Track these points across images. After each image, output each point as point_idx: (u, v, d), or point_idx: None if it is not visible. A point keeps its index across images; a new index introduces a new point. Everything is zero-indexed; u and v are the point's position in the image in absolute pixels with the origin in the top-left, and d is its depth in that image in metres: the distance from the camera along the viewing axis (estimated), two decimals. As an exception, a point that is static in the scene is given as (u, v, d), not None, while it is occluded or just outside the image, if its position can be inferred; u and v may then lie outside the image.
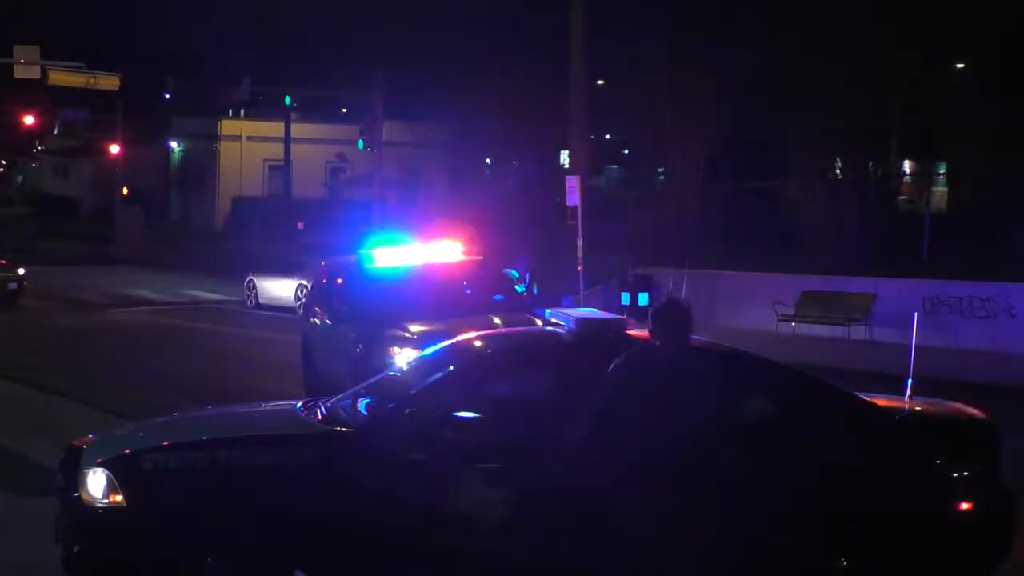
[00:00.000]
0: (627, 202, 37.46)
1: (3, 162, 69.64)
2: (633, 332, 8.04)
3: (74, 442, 8.29)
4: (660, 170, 37.98)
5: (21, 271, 31.53)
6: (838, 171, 31.79)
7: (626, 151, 50.13)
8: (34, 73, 34.58)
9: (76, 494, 7.70)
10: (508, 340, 9.32)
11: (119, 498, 7.49)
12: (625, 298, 25.89)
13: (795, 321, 24.88)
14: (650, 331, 7.30)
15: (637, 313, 21.94)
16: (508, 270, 18.80)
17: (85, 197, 68.04)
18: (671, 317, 7.19)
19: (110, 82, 38.84)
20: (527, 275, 20.56)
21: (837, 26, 28.93)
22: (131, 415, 12.87)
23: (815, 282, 25.56)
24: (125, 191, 54.61)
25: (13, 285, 31.07)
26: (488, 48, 40.07)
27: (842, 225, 29.77)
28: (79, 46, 42.19)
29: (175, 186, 62.85)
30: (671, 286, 25.57)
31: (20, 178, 79.87)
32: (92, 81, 38.34)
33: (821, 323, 24.58)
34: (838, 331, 24.23)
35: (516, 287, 16.86)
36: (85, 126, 73.61)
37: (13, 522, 10.23)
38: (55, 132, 77.80)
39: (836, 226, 29.79)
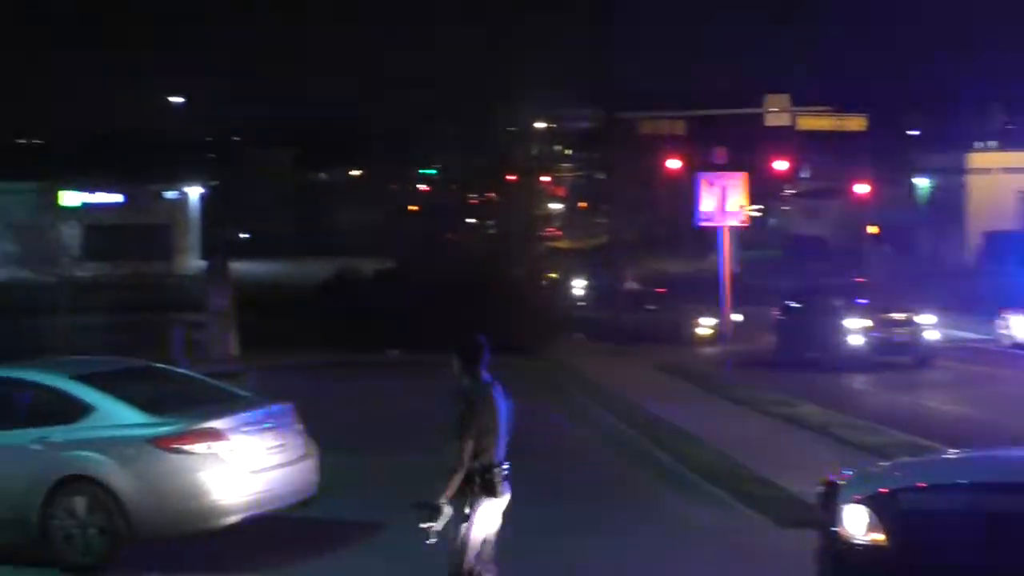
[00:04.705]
0: None
1: (759, 207, 73.18)
2: None
3: (832, 477, 8.48)
4: None
5: (925, 321, 26.69)
6: None
7: None
8: (785, 120, 36.05)
9: (835, 529, 7.86)
10: None
11: (879, 536, 7.52)
12: None
13: None
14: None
15: None
16: None
17: (832, 237, 69.41)
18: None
19: (856, 123, 39.51)
20: None
21: None
22: (884, 453, 12.90)
23: None
24: (874, 230, 54.93)
25: (902, 336, 26.32)
26: None
27: None
28: (826, 91, 43.32)
29: (921, 223, 62.21)
30: None
31: (772, 221, 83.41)
32: (839, 124, 39.17)
33: None
34: None
35: None
36: (831, 168, 75.13)
37: (772, 550, 10.71)
38: (803, 175, 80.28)
39: None
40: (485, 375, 7.93)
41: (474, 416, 7.70)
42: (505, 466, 7.88)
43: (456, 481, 7.64)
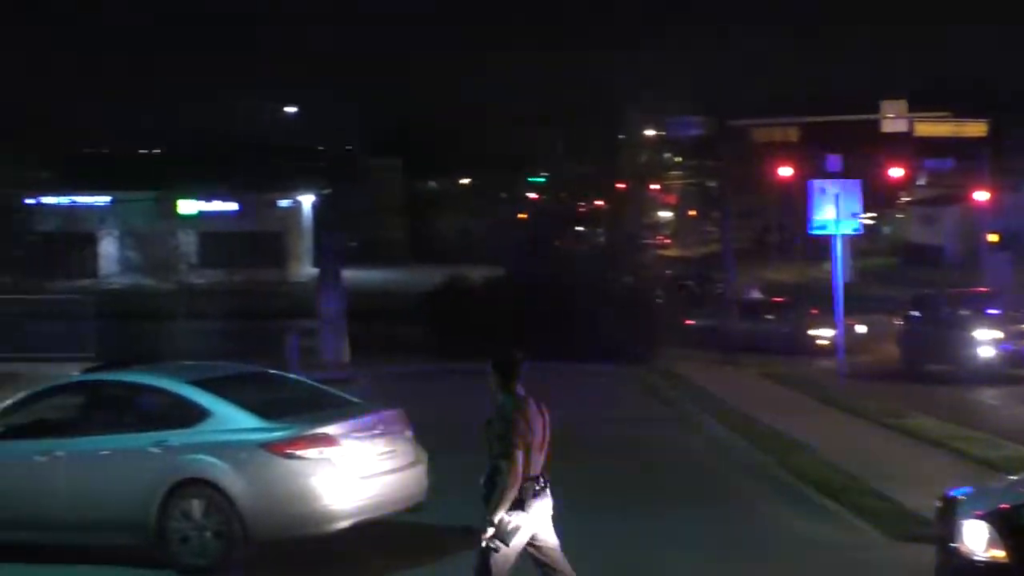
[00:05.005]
0: None
1: (873, 214, 72.06)
2: None
3: (950, 492, 8.31)
4: None
5: None
6: None
7: None
8: (901, 127, 35.29)
9: (953, 545, 7.69)
10: None
11: (1000, 553, 7.34)
12: None
13: None
14: None
15: None
16: None
17: (949, 245, 68.04)
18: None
19: (977, 129, 38.56)
20: None
21: None
22: (1007, 468, 12.59)
23: None
24: (994, 238, 53.65)
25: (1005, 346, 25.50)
26: None
27: None
28: (945, 95, 42.44)
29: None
30: None
31: (886, 229, 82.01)
32: (958, 129, 38.32)
33: None
34: None
35: None
36: (950, 174, 73.69)
37: (887, 566, 10.51)
38: (919, 182, 78.81)
39: None
40: (519, 390, 7.94)
41: (515, 430, 7.71)
42: (541, 480, 7.84)
43: (510, 495, 7.64)
